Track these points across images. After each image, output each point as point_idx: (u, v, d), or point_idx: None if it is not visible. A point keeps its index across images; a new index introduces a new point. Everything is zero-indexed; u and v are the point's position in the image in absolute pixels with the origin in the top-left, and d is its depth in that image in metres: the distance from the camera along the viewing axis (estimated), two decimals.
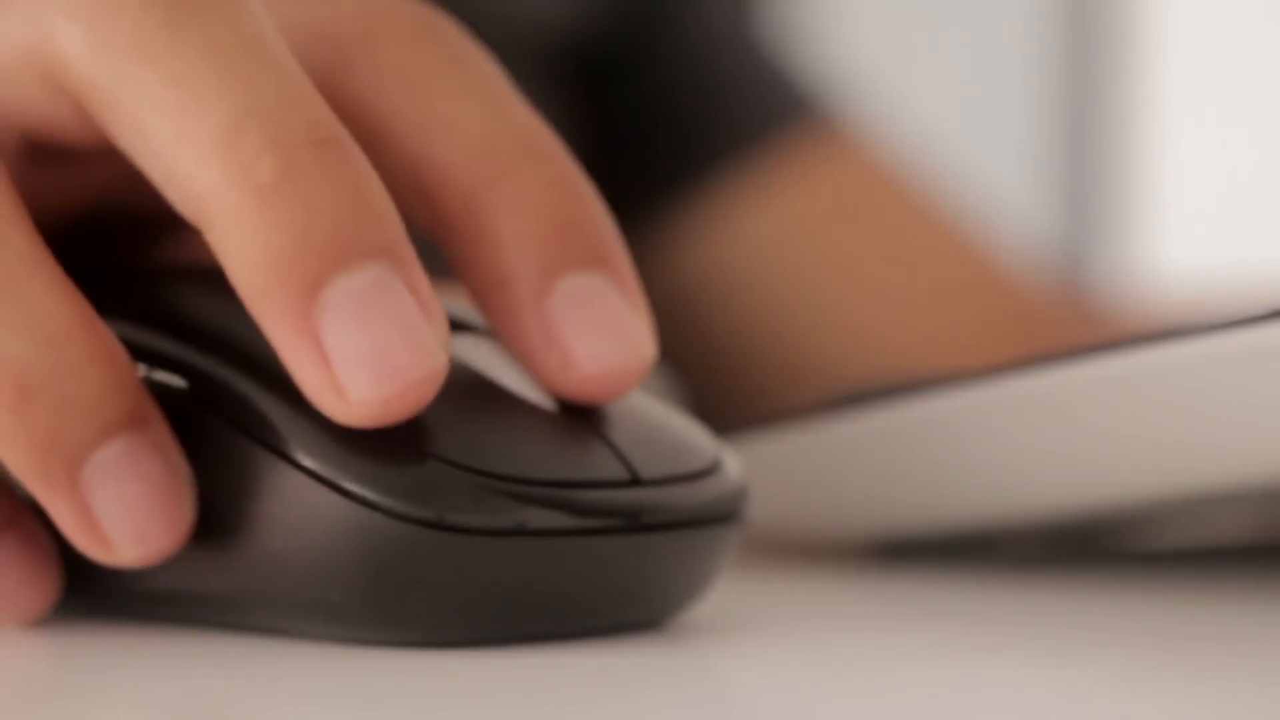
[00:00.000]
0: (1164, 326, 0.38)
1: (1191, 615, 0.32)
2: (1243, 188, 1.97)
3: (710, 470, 0.28)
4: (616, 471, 0.27)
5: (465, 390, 0.27)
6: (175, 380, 0.28)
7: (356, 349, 0.25)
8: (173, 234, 0.31)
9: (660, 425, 0.28)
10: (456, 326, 0.27)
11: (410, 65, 0.28)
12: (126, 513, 0.26)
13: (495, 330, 0.28)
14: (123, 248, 0.31)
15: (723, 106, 0.64)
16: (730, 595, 0.29)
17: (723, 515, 0.28)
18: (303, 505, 0.26)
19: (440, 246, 0.28)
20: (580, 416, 0.27)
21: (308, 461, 0.26)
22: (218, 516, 0.27)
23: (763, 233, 0.63)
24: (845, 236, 0.64)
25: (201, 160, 0.26)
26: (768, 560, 0.37)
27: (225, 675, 0.26)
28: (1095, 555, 0.39)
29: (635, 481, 0.27)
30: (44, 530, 0.28)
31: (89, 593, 0.29)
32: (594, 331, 0.27)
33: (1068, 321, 0.66)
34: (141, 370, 0.28)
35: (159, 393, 0.27)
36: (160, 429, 0.27)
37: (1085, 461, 0.33)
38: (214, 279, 0.27)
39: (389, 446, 0.26)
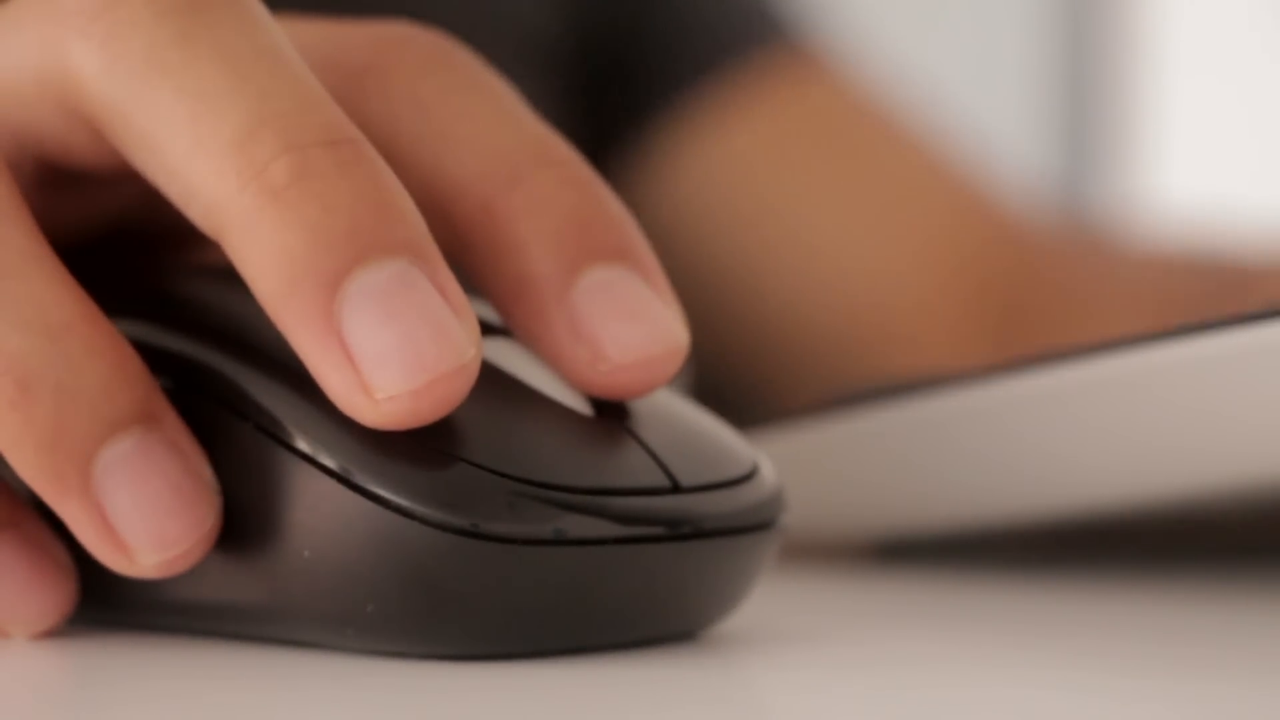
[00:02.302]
0: (1164, 326, 0.38)
1: (1191, 615, 0.32)
2: (1244, 118, 1.95)
3: (749, 476, 0.27)
4: (656, 479, 0.26)
5: (499, 394, 0.26)
6: (194, 382, 0.27)
7: (381, 344, 0.25)
8: (188, 252, 0.31)
9: (696, 430, 0.28)
10: (486, 330, 0.27)
11: (422, 91, 0.28)
12: (143, 515, 0.26)
13: (522, 334, 0.28)
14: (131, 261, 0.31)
15: (694, 30, 0.64)
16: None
17: (763, 522, 0.27)
18: (335, 512, 0.26)
19: (462, 264, 0.28)
20: (616, 421, 0.27)
21: (340, 467, 0.25)
22: (245, 524, 0.26)
23: (729, 158, 0.63)
24: (812, 160, 0.63)
25: (216, 169, 0.25)
26: (779, 563, 0.37)
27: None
28: (1096, 555, 0.39)
29: (676, 489, 0.26)
30: (50, 534, 0.28)
31: (107, 604, 0.28)
32: (622, 321, 0.27)
33: (1058, 249, 0.65)
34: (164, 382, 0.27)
35: (180, 397, 0.27)
36: (175, 427, 0.26)
37: (1085, 461, 0.33)
38: (233, 278, 0.26)
39: (423, 452, 0.25)
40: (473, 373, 0.25)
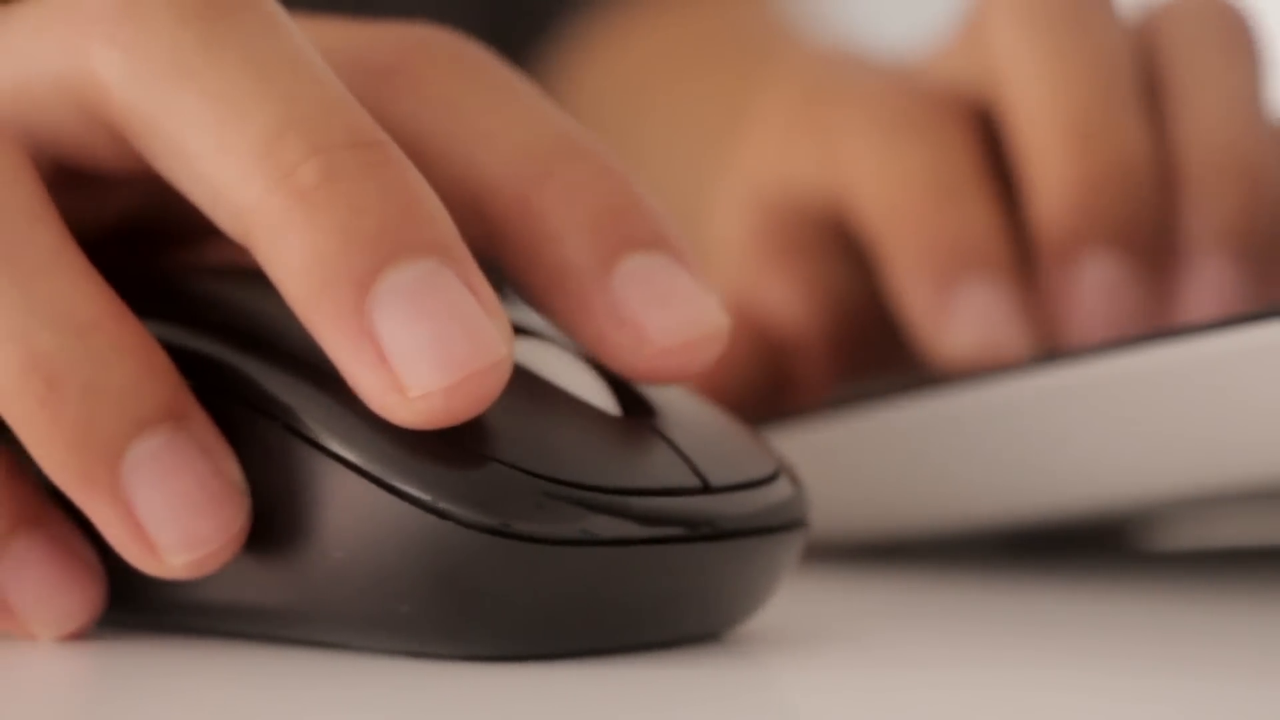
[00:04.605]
0: (1165, 326, 0.38)
1: (1191, 615, 0.32)
2: None
3: (774, 476, 0.27)
4: (687, 479, 0.26)
5: (530, 395, 0.27)
6: (222, 384, 0.27)
7: (413, 341, 0.25)
8: (194, 249, 0.31)
9: (720, 431, 0.28)
10: (517, 332, 0.27)
11: (450, 91, 0.28)
12: (172, 513, 0.26)
13: (562, 323, 0.28)
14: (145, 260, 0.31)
15: None
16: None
17: (790, 522, 0.27)
18: (368, 513, 0.25)
19: (498, 258, 0.28)
20: (645, 422, 0.27)
21: (371, 467, 0.25)
22: (275, 525, 0.26)
23: (622, 72, 0.64)
24: (679, 83, 0.63)
25: (243, 172, 0.25)
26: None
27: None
28: (1097, 555, 0.39)
29: (706, 489, 0.26)
30: (78, 534, 0.28)
31: (135, 606, 0.28)
32: (662, 305, 0.27)
33: None
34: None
35: (209, 398, 0.27)
36: (203, 426, 0.26)
37: (1087, 461, 0.33)
38: (257, 278, 0.26)
39: (455, 451, 0.25)
40: (505, 370, 0.25)
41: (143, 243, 0.31)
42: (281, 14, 0.27)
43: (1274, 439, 0.31)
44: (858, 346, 0.42)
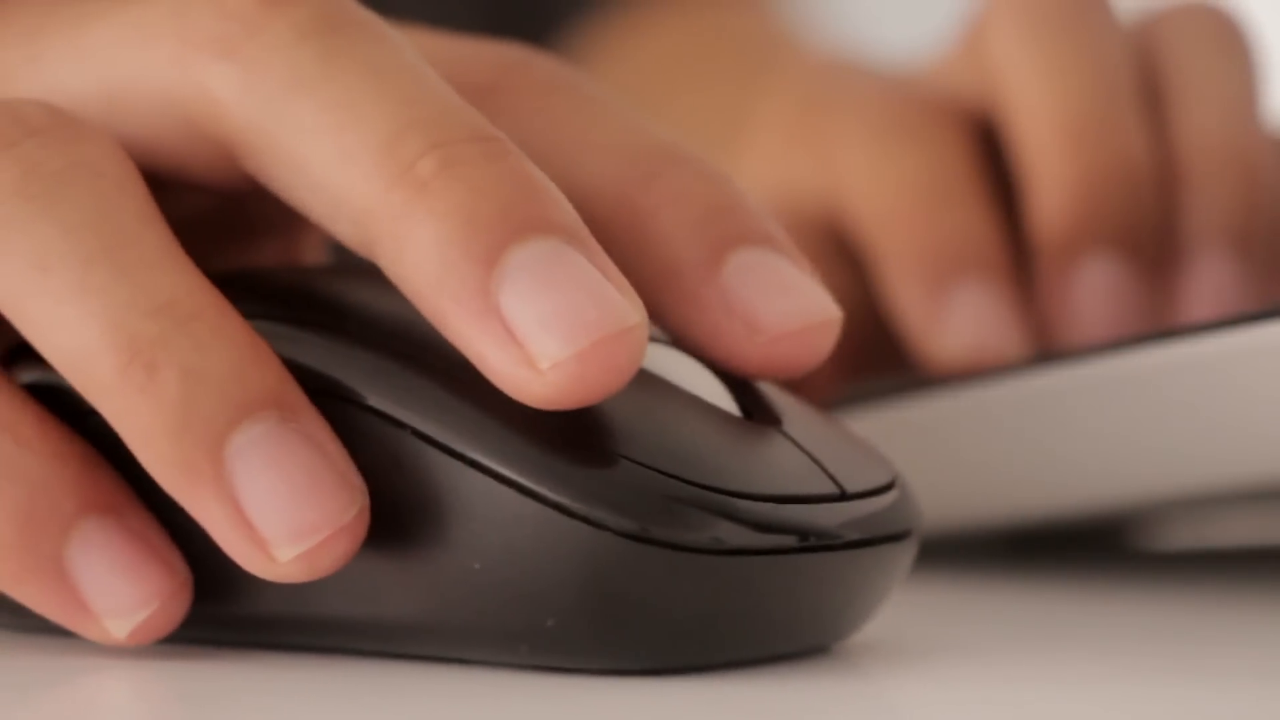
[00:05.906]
0: (1164, 327, 0.38)
1: (1191, 615, 0.32)
2: None
3: (895, 481, 0.27)
4: (824, 485, 0.26)
5: (662, 398, 0.26)
6: (343, 392, 0.26)
7: (540, 312, 0.24)
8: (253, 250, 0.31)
9: (839, 435, 0.27)
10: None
11: (549, 106, 0.29)
12: (277, 501, 0.25)
13: (673, 320, 0.27)
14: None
15: None
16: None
17: (914, 528, 0.27)
18: (511, 521, 0.25)
19: None
20: (773, 426, 0.27)
21: (509, 470, 0.25)
22: (409, 537, 0.25)
23: (630, 72, 0.64)
24: (688, 85, 0.63)
25: (363, 173, 0.25)
26: None
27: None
28: (1095, 555, 0.39)
29: (843, 496, 0.26)
30: (157, 529, 0.27)
31: (251, 624, 0.27)
32: (774, 294, 0.27)
33: None
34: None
35: (331, 407, 0.26)
36: (312, 419, 0.25)
37: (1087, 461, 0.33)
38: (369, 277, 0.26)
39: (592, 454, 0.25)
40: (639, 341, 0.25)
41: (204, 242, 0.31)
42: (393, 30, 0.27)
43: (1274, 439, 0.31)
44: (857, 352, 0.42)
